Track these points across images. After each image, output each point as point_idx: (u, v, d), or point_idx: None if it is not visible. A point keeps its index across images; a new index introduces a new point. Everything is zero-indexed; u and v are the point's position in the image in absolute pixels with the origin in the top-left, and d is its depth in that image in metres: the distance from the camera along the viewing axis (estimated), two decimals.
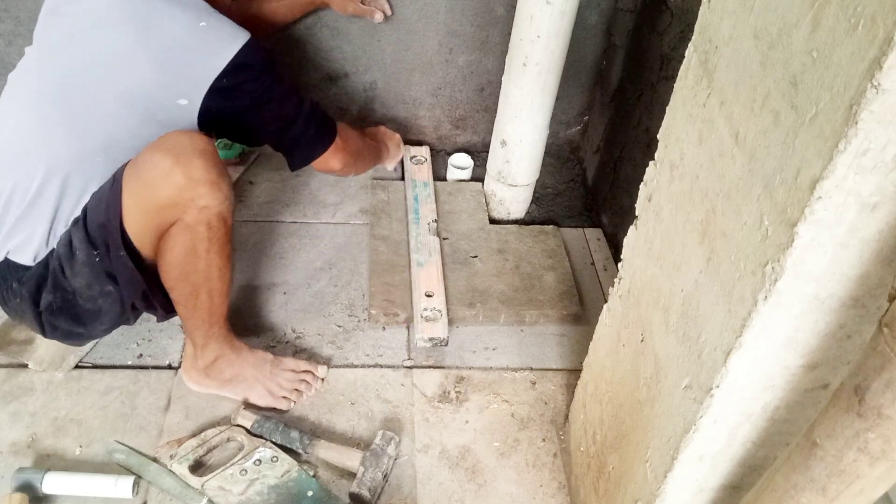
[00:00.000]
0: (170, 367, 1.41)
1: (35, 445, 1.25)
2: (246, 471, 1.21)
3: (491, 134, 1.79)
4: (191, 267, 1.17)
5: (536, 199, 1.94)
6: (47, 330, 1.22)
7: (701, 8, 0.78)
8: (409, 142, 2.07)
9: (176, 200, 1.09)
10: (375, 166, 1.73)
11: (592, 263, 1.77)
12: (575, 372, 1.45)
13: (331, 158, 1.36)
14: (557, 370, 1.50)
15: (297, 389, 1.36)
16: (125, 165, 1.12)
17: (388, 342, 1.51)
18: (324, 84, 1.93)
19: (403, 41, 1.85)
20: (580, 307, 1.60)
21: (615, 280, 1.06)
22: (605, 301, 1.10)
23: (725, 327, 0.69)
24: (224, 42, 1.14)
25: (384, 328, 1.54)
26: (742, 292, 0.66)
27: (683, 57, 0.82)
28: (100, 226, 1.12)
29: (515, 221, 1.87)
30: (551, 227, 1.81)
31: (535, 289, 1.62)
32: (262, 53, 1.19)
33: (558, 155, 2.12)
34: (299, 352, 1.47)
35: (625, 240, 1.02)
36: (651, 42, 1.60)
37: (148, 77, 1.11)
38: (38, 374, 1.35)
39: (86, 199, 1.14)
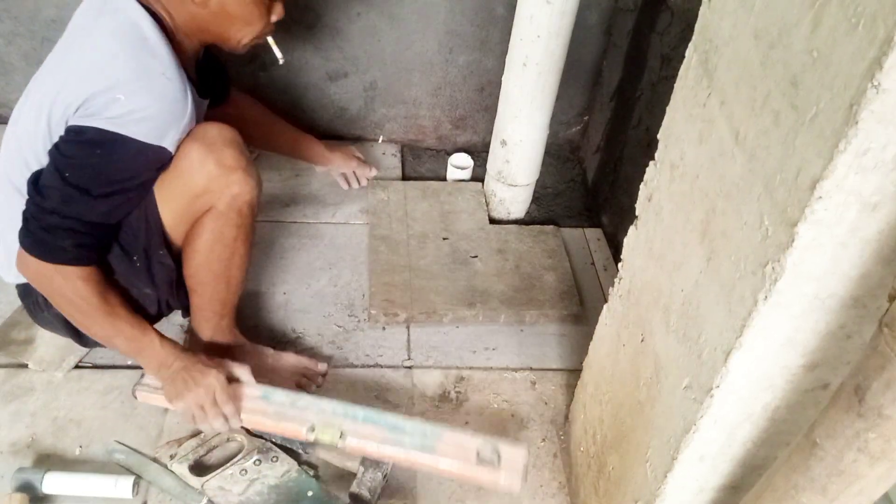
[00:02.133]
0: None
1: (35, 445, 1.25)
2: (246, 471, 1.21)
3: (491, 134, 1.79)
4: (216, 254, 1.20)
5: (536, 199, 1.93)
6: (84, 340, 1.25)
7: (701, 8, 0.78)
8: (410, 141, 2.07)
9: (210, 188, 1.13)
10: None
11: (592, 263, 1.77)
12: (575, 372, 1.45)
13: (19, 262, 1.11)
14: (557, 370, 1.50)
15: (298, 384, 1.36)
16: None
17: (388, 342, 1.51)
18: (324, 84, 1.93)
19: (403, 41, 1.85)
20: (580, 307, 1.61)
21: (615, 280, 1.06)
22: (605, 301, 1.10)
23: (725, 327, 0.69)
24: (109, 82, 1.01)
25: (384, 328, 1.54)
26: (742, 292, 0.66)
27: (683, 57, 0.82)
28: (135, 232, 1.15)
29: (515, 221, 1.87)
30: (551, 227, 1.81)
31: (535, 289, 1.62)
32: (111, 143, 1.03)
33: (558, 155, 2.12)
34: (299, 352, 1.46)
35: (625, 240, 1.02)
36: (651, 42, 1.60)
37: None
38: (38, 374, 1.35)
39: None
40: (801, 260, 0.59)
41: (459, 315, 1.55)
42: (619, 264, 1.04)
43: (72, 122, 1.02)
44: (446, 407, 1.40)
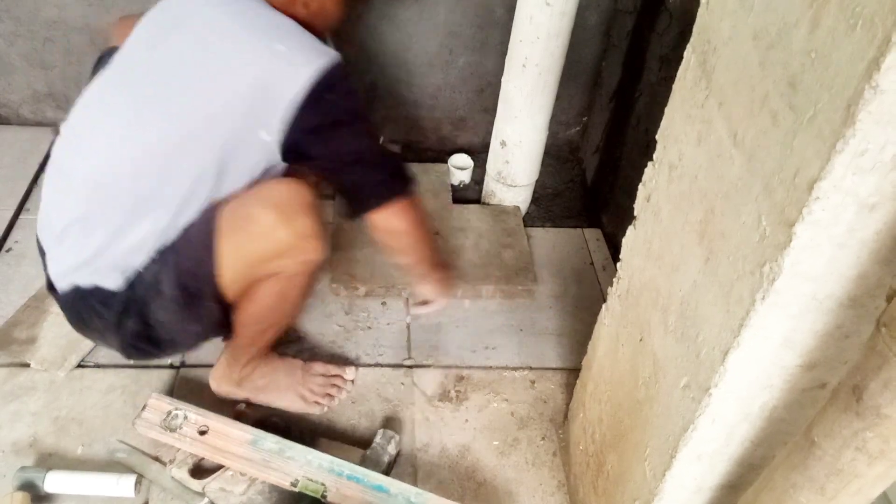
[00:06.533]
0: (171, 366, 1.41)
1: (37, 445, 1.25)
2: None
3: (491, 135, 1.79)
4: (277, 309, 1.19)
5: (536, 199, 1.94)
6: (132, 354, 1.21)
7: (700, 9, 0.79)
8: (410, 142, 2.08)
9: (282, 255, 1.09)
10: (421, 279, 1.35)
11: (592, 263, 1.77)
12: (574, 371, 1.45)
13: (394, 216, 1.14)
14: (557, 369, 1.50)
15: (328, 394, 1.37)
16: (217, 206, 1.07)
17: (389, 341, 1.52)
18: None
19: (403, 42, 1.85)
20: (535, 283, 1.65)
21: (614, 280, 1.06)
22: (605, 301, 1.11)
23: (724, 327, 0.70)
24: (304, 63, 1.01)
25: (379, 319, 1.54)
26: (740, 292, 0.66)
27: (682, 58, 0.82)
28: (191, 273, 1.09)
29: None
30: (512, 206, 1.85)
31: (492, 265, 1.67)
32: (347, 79, 1.07)
33: (558, 155, 2.12)
34: (300, 352, 1.47)
35: (624, 240, 1.02)
36: (650, 43, 1.60)
37: (238, 101, 1.03)
38: (40, 373, 1.35)
39: (174, 230, 1.08)
40: (799, 260, 0.59)
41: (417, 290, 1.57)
42: (618, 264, 1.05)
43: (297, 103, 1.01)
44: (446, 406, 1.40)
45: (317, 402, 1.35)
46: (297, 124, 1.02)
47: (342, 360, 1.46)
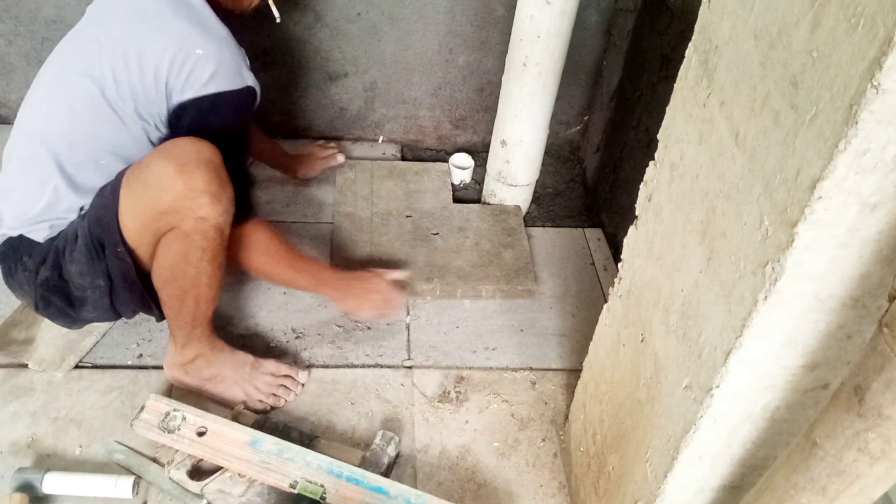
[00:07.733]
0: None
1: (35, 445, 1.25)
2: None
3: (491, 134, 1.79)
4: (181, 272, 1.19)
5: (536, 199, 1.94)
6: (40, 305, 1.24)
7: (701, 8, 0.78)
8: (410, 141, 2.07)
9: (175, 208, 1.11)
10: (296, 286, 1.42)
11: (592, 263, 1.77)
12: (575, 372, 1.45)
13: (257, 228, 1.27)
14: (557, 370, 1.50)
15: (274, 394, 1.35)
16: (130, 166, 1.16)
17: (388, 342, 1.51)
18: (324, 84, 1.93)
19: (403, 41, 1.85)
20: (535, 283, 1.65)
21: (615, 280, 1.06)
22: (605, 301, 1.10)
23: (725, 327, 0.69)
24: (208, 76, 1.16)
25: (388, 324, 1.54)
26: (742, 292, 0.66)
27: (683, 57, 0.82)
28: (97, 221, 1.16)
29: None
30: (513, 206, 1.84)
31: (492, 265, 1.66)
32: (246, 106, 1.22)
33: (558, 155, 2.12)
34: (300, 351, 1.47)
35: (625, 240, 1.02)
36: (651, 42, 1.60)
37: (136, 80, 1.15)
38: (39, 374, 1.35)
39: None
40: (801, 260, 0.59)
41: (417, 289, 1.59)
42: (619, 264, 1.04)
43: (175, 101, 1.16)
44: (446, 407, 1.40)
45: (261, 401, 1.34)
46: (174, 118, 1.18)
47: (342, 361, 1.46)
